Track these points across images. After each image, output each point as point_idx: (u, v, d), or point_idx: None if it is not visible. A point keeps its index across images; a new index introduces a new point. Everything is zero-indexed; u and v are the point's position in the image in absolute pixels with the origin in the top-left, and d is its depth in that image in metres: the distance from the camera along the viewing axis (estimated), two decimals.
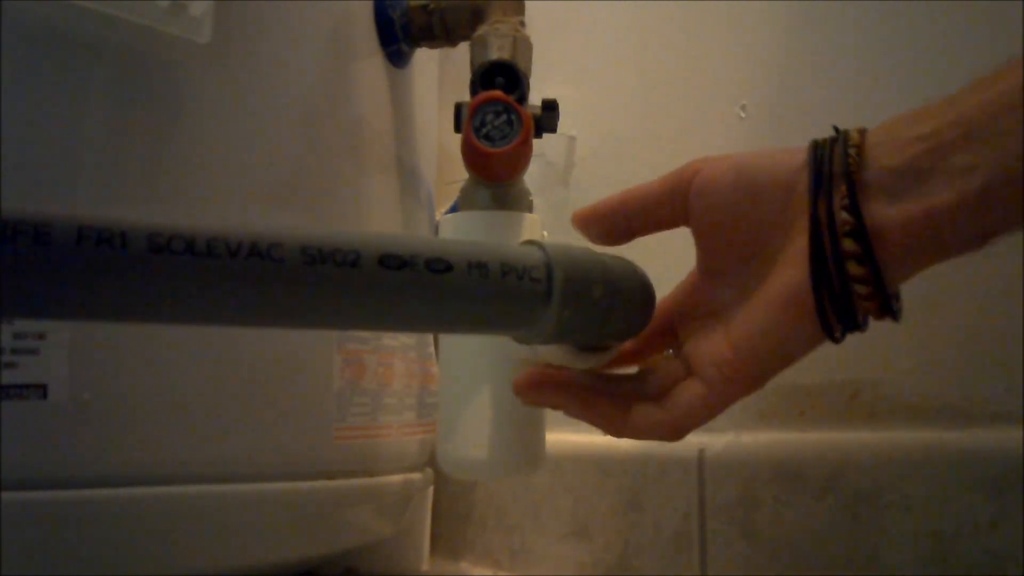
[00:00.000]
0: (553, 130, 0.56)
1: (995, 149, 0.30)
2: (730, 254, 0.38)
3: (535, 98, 0.55)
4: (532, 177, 0.54)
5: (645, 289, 0.38)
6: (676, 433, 0.38)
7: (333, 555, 0.66)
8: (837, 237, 0.33)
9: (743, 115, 0.63)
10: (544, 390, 0.39)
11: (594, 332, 0.37)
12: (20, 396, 0.45)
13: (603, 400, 0.39)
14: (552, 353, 0.41)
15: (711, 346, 0.38)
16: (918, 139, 0.32)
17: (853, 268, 0.33)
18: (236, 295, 0.28)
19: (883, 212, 0.33)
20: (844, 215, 0.33)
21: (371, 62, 0.64)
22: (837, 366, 0.53)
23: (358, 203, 0.62)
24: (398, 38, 0.65)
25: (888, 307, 0.34)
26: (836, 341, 0.35)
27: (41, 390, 0.46)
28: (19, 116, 0.46)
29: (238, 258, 0.28)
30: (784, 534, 0.52)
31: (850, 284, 0.33)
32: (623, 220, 0.39)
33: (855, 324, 0.35)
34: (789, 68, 0.61)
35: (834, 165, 0.34)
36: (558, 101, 0.56)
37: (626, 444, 0.66)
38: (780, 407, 0.56)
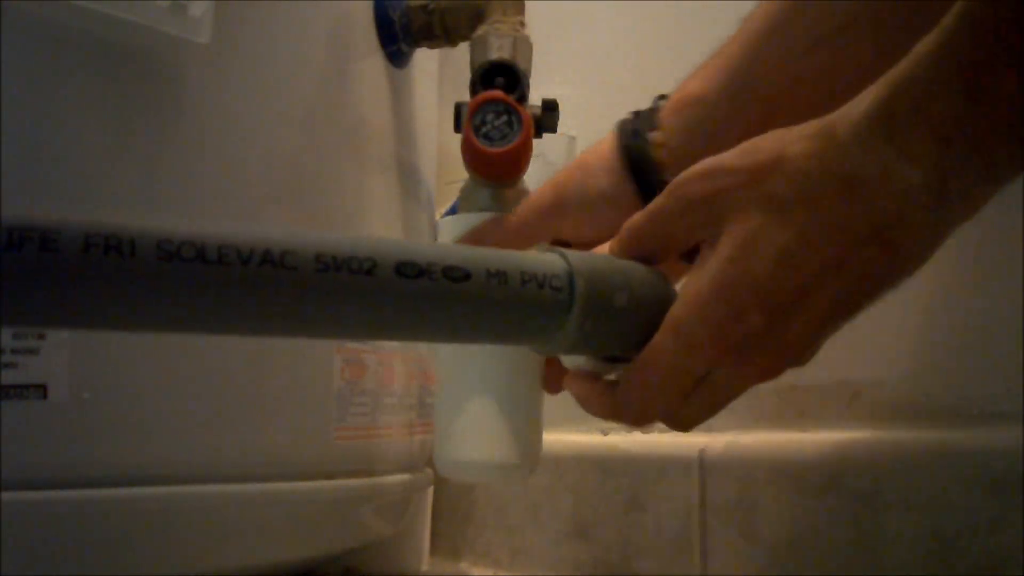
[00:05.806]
0: (553, 130, 0.56)
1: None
2: None
3: (535, 98, 0.55)
4: (532, 177, 0.54)
5: (669, 296, 0.36)
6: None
7: (333, 555, 0.66)
8: None
9: None
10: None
11: (615, 342, 0.36)
12: (20, 396, 0.45)
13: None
14: (571, 363, 0.40)
15: None
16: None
17: None
18: (248, 304, 0.27)
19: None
20: None
21: (371, 62, 0.64)
22: (837, 366, 0.53)
23: (358, 203, 0.62)
24: (398, 38, 0.65)
25: None
26: None
27: (41, 390, 0.46)
28: (18, 116, 0.46)
29: (250, 266, 0.27)
30: (784, 534, 0.52)
31: None
32: None
33: None
34: None
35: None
36: (558, 101, 0.56)
37: (626, 444, 0.66)
38: (780, 407, 0.56)
